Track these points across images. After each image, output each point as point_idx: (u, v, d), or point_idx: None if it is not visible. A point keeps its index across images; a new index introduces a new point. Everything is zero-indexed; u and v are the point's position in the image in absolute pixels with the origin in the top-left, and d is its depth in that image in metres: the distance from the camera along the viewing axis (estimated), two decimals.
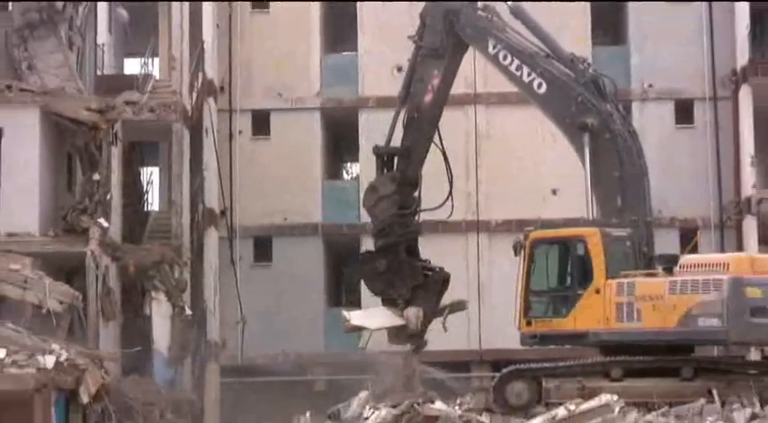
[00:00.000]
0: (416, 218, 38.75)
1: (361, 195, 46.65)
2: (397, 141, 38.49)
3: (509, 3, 38.26)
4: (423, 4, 40.95)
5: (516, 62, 36.96)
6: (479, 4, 38.21)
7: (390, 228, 37.84)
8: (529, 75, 36.91)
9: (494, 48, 37.39)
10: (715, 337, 35.03)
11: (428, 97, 37.88)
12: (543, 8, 51.51)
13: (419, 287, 37.61)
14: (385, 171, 38.61)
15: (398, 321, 36.49)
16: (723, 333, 34.12)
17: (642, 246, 36.95)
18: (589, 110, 36.03)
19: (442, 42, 37.90)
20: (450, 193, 38.70)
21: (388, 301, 37.34)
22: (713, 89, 52.45)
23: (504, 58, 37.20)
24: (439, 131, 38.46)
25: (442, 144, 38.82)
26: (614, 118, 36.69)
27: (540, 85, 36.77)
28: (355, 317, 37.26)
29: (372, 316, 37.13)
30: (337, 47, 53.85)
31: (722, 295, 34.05)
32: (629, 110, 52.01)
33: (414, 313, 36.41)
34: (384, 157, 38.49)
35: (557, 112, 37.25)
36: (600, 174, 36.24)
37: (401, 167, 38.29)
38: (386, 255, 38.02)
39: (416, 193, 38.44)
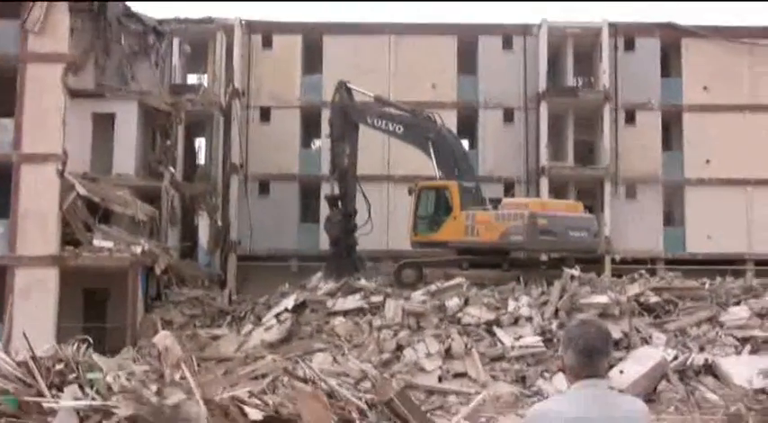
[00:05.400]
0: (355, 234, 40.70)
1: (322, 159, 47.69)
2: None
3: (373, 95, 41.52)
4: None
5: (383, 121, 39.89)
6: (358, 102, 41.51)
7: (338, 242, 40.25)
8: (392, 126, 39.81)
9: (369, 118, 40.21)
10: (520, 246, 36.75)
11: (346, 162, 40.12)
12: (428, 54, 51.93)
13: (354, 270, 39.30)
14: (333, 209, 40.81)
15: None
16: (524, 244, 35.58)
17: (479, 194, 37.91)
18: (428, 131, 38.26)
19: (343, 129, 40.21)
20: (369, 216, 40.40)
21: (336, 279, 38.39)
22: (525, 103, 52.46)
23: (376, 121, 40.08)
24: (360, 184, 40.99)
25: (364, 193, 41.04)
26: (443, 131, 39.40)
27: (399, 129, 39.81)
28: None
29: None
30: (310, 70, 53.54)
31: (524, 222, 35.04)
32: (477, 114, 52.47)
33: None
34: (332, 200, 40.55)
35: (412, 139, 40.18)
36: (441, 161, 38.14)
37: (343, 206, 40.44)
38: (336, 258, 40.18)
39: (354, 220, 40.59)
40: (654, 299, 32.51)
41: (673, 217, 52.19)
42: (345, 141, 40.36)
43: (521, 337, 30.15)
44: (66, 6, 38.16)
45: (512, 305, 31.86)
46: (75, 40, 39.44)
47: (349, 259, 40.00)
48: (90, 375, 24.83)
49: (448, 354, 29.41)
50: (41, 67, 37.89)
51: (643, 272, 36.51)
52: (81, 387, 23.58)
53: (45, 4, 37.75)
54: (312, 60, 53.65)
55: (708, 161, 51.10)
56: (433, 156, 38.59)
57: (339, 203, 40.49)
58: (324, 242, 43.78)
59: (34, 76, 37.81)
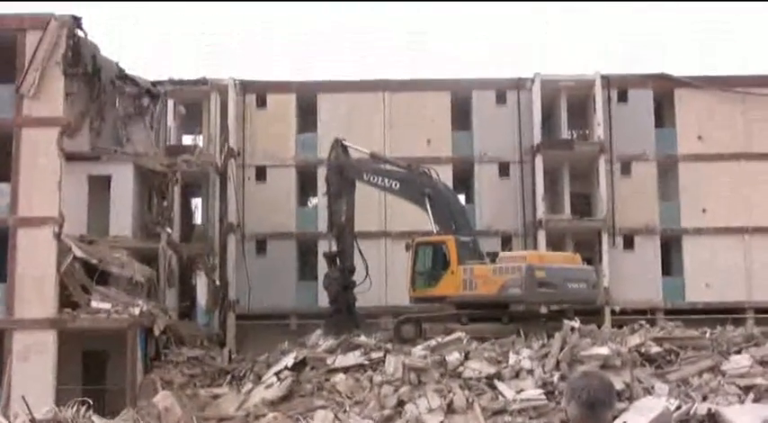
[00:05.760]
0: (353, 290, 40.59)
1: (319, 217, 47.71)
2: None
3: (368, 152, 41.79)
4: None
5: (379, 178, 39.97)
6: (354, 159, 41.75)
7: (336, 299, 40.30)
8: (388, 182, 39.94)
9: (366, 175, 40.35)
10: (518, 299, 36.71)
11: (344, 219, 40.11)
12: (422, 110, 52.14)
13: (354, 327, 38.91)
14: (332, 266, 40.92)
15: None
16: (522, 297, 35.63)
17: (476, 247, 37.88)
18: (424, 186, 38.53)
19: (340, 186, 40.24)
20: (367, 273, 40.42)
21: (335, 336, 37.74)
22: (521, 156, 52.58)
23: (373, 178, 40.18)
24: (357, 242, 40.87)
25: (360, 250, 40.93)
26: (439, 185, 39.58)
27: (395, 185, 39.92)
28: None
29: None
30: (305, 129, 53.72)
31: (522, 275, 35.10)
32: (473, 169, 52.58)
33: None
34: (330, 257, 40.63)
35: (408, 194, 40.26)
36: (438, 215, 38.30)
37: (341, 262, 40.47)
38: (336, 313, 40.19)
39: (352, 276, 40.44)
40: (655, 349, 32.38)
41: (671, 267, 52.15)
42: (342, 198, 40.40)
43: (522, 390, 29.96)
44: (60, 70, 38.35)
45: (512, 358, 31.72)
46: (70, 104, 39.60)
47: (349, 316, 39.85)
48: None
49: (450, 408, 29.22)
50: (37, 131, 38.06)
51: (643, 322, 36.32)
52: None
53: (40, 68, 37.97)
54: (307, 119, 53.86)
55: (704, 210, 51.17)
56: (429, 211, 38.66)
57: (337, 260, 40.49)
58: (322, 299, 43.73)
59: (29, 140, 37.98)
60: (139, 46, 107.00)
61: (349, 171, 40.61)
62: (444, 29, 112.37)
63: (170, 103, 51.38)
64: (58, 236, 37.21)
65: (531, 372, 30.99)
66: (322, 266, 44.25)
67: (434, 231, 38.57)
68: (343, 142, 41.48)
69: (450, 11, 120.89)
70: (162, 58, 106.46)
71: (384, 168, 40.73)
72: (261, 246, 52.31)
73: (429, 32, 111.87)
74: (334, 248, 40.77)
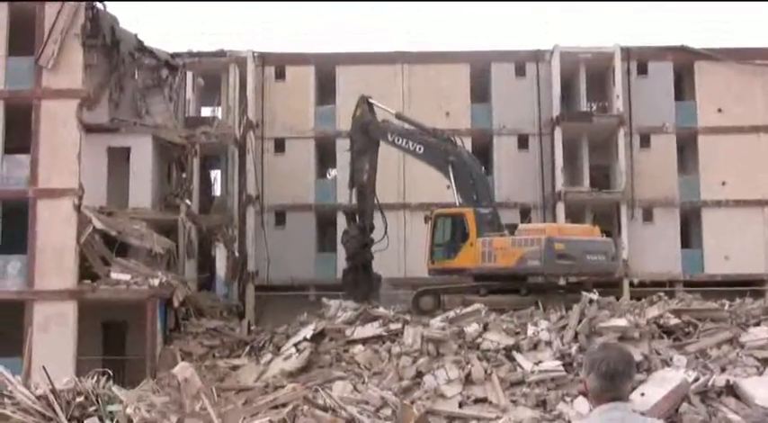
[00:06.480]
0: (371, 249, 40.32)
1: (338, 189, 47.66)
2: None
3: (394, 112, 41.00)
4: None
5: (404, 140, 39.34)
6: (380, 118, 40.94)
7: (354, 256, 40.06)
8: (412, 145, 39.24)
9: (390, 136, 39.67)
10: (537, 272, 36.63)
11: (365, 177, 39.79)
12: (441, 82, 51.99)
13: (369, 288, 39.30)
14: (351, 223, 41.02)
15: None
16: (541, 269, 35.45)
17: (496, 219, 37.72)
18: (448, 153, 38.16)
19: (364, 145, 39.78)
20: (386, 232, 39.95)
21: (354, 297, 38.27)
22: (539, 128, 52.54)
23: (397, 139, 39.51)
24: (378, 200, 40.60)
25: (381, 209, 40.86)
26: (463, 154, 39.03)
27: (419, 148, 39.24)
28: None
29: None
30: (324, 101, 53.74)
31: (541, 247, 34.97)
32: (491, 141, 52.51)
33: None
34: (350, 214, 40.81)
35: (432, 159, 39.56)
36: (460, 183, 38.11)
37: (360, 220, 40.31)
38: (352, 272, 40.04)
39: (371, 235, 40.15)
40: (673, 321, 32.22)
41: (690, 239, 52.04)
42: (365, 156, 40.04)
43: (540, 361, 29.91)
44: (79, 42, 38.33)
45: (531, 330, 31.66)
46: (89, 76, 39.53)
47: (364, 274, 40.05)
48: (110, 408, 24.85)
49: (468, 379, 29.21)
50: (56, 103, 38.04)
51: (662, 294, 36.16)
52: (101, 419, 23.56)
53: (59, 40, 37.96)
54: (325, 91, 53.85)
55: (724, 183, 50.99)
56: (452, 179, 38.50)
57: (357, 218, 40.50)
58: (341, 271, 43.74)
59: (49, 112, 37.96)
60: (155, 20, 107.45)
61: (373, 131, 40.26)
62: (445, 28, 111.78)
63: (189, 75, 51.46)
64: (77, 207, 37.26)
65: (549, 343, 30.92)
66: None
67: (456, 200, 38.43)
68: (369, 100, 41.13)
69: (453, 11, 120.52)
70: (176, 32, 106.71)
71: (409, 131, 40.31)
72: (280, 218, 52.43)
73: (429, 33, 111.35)
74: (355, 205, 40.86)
